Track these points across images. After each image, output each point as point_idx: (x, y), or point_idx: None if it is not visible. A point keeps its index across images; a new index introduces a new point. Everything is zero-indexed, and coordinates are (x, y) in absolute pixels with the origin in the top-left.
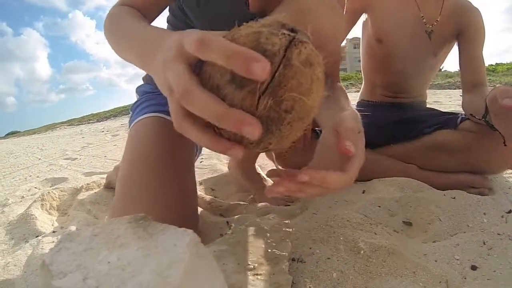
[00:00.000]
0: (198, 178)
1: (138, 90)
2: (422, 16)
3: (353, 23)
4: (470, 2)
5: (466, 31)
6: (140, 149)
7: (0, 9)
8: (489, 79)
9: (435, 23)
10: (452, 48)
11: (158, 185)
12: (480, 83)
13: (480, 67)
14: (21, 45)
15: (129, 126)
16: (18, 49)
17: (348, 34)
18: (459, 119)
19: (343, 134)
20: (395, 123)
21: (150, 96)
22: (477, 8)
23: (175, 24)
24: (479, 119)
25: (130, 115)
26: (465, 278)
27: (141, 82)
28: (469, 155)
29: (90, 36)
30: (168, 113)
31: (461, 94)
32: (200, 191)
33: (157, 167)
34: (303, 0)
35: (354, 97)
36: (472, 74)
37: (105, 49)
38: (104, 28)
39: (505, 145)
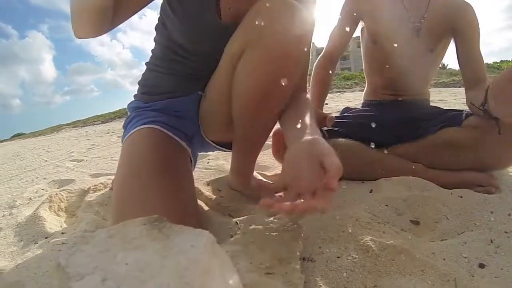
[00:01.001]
0: (205, 179)
1: (129, 106)
2: (410, 16)
3: (353, 27)
4: None
5: (460, 28)
6: (134, 159)
7: (5, 12)
8: (494, 76)
9: (423, 20)
10: (450, 45)
11: (153, 193)
12: (481, 79)
13: (479, 62)
14: (26, 47)
15: (122, 141)
16: (24, 52)
17: (352, 35)
18: (463, 116)
19: (331, 171)
20: (400, 122)
21: (141, 112)
22: (469, 4)
23: (161, 41)
24: (478, 107)
25: (123, 132)
26: (473, 276)
27: None
28: (475, 151)
29: (95, 38)
30: (159, 124)
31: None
32: (208, 192)
33: (151, 176)
34: (266, 6)
35: (358, 97)
36: (471, 71)
37: (110, 51)
38: None
39: (499, 133)
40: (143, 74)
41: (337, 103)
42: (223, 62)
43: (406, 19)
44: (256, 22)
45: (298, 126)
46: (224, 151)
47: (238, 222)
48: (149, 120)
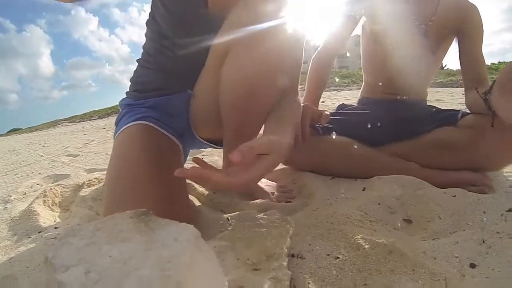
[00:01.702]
0: None
1: (121, 103)
2: (416, 18)
3: (354, 24)
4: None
5: (465, 29)
6: (125, 154)
7: (3, 6)
8: (492, 77)
9: (430, 22)
10: (451, 46)
11: (145, 186)
12: (482, 81)
13: (481, 64)
14: (24, 41)
15: (114, 138)
16: (21, 46)
17: (352, 32)
18: (459, 115)
19: (241, 147)
20: (396, 121)
21: (131, 108)
22: (474, 5)
23: (151, 36)
24: (480, 95)
25: (115, 129)
26: (463, 276)
27: None
28: (470, 151)
29: (93, 33)
30: (151, 119)
31: (463, 93)
32: (201, 187)
33: (143, 169)
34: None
35: (355, 95)
36: (473, 72)
37: (108, 46)
38: None
39: (492, 126)
40: (134, 71)
41: (333, 101)
42: (210, 59)
43: (412, 21)
44: (242, 18)
45: (272, 127)
46: (215, 148)
47: (229, 218)
48: (140, 116)
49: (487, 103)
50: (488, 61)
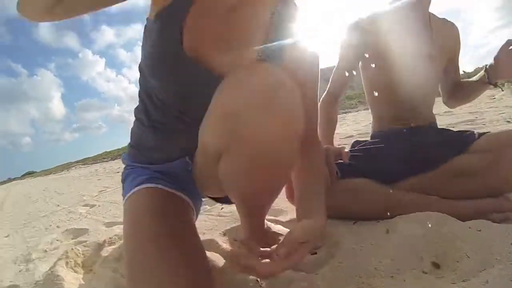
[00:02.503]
0: (221, 229)
1: (123, 158)
2: (420, 43)
3: (355, 65)
4: (446, 19)
5: (456, 48)
6: (137, 230)
7: (14, 51)
8: None
9: (433, 47)
10: None
11: (163, 260)
12: (460, 83)
13: (459, 71)
14: (36, 85)
15: (123, 200)
16: (33, 90)
17: (354, 72)
18: (473, 139)
19: (283, 242)
20: (411, 152)
21: (131, 170)
22: (453, 23)
23: (140, 82)
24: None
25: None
26: None
27: None
28: (489, 176)
29: (101, 74)
30: (155, 181)
31: (444, 101)
32: (225, 243)
33: (159, 241)
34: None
35: (364, 117)
36: (456, 78)
37: (116, 86)
38: None
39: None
40: (134, 121)
41: (343, 126)
42: (200, 153)
43: (418, 48)
44: (236, 108)
45: (307, 204)
46: (226, 204)
47: (259, 280)
48: (145, 178)
49: (487, 70)
50: (486, 62)
